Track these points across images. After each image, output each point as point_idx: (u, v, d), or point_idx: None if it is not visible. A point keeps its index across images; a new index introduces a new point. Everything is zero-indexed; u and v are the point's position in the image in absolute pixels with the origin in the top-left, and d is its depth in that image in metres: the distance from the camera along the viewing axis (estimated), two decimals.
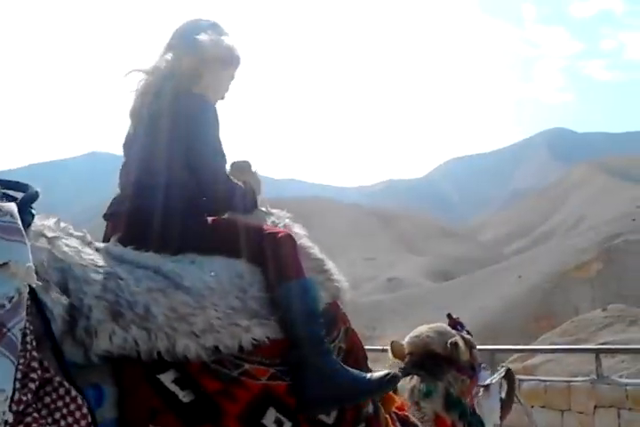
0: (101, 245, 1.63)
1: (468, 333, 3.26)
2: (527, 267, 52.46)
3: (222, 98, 2.11)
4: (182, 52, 1.98)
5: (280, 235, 1.83)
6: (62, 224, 1.52)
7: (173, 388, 1.43)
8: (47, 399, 1.15)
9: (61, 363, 1.21)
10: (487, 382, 3.48)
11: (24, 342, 1.11)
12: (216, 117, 1.91)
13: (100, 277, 1.42)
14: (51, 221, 1.48)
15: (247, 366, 1.57)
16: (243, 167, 2.14)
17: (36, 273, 1.17)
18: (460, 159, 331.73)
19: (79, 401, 1.18)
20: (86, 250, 1.50)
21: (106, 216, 1.93)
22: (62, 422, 1.15)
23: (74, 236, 1.53)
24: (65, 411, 1.16)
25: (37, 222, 1.38)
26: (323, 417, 1.69)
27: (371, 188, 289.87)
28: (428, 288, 60.97)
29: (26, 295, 1.14)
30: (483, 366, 3.36)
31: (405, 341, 3.05)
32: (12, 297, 1.08)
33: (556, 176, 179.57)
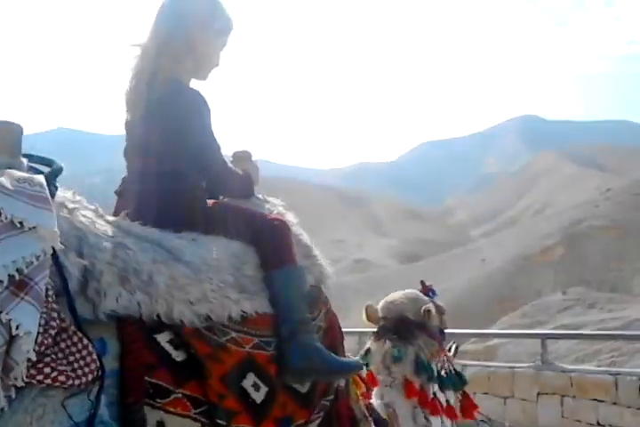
0: (112, 218, 1.77)
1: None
2: (492, 250, 53.25)
3: (217, 65, 2.16)
4: (172, 24, 2.00)
5: (277, 221, 2.00)
6: (78, 197, 1.68)
7: (168, 347, 1.58)
8: (63, 345, 1.33)
9: (75, 316, 1.39)
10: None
11: (46, 295, 1.29)
12: (208, 109, 1.98)
13: (110, 245, 1.58)
14: (69, 194, 1.64)
15: (234, 334, 1.73)
16: (243, 157, 2.27)
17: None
18: (431, 143, 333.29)
19: (90, 348, 1.36)
20: (99, 221, 1.65)
21: (117, 192, 2.10)
22: (75, 365, 1.32)
23: (88, 208, 1.68)
24: (78, 355, 1.34)
25: (60, 194, 1.55)
26: (298, 386, 1.85)
27: (341, 170, 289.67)
28: (395, 270, 61.53)
29: (49, 256, 1.31)
30: None
31: (379, 305, 3.16)
32: (39, 256, 1.27)
33: (525, 162, 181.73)
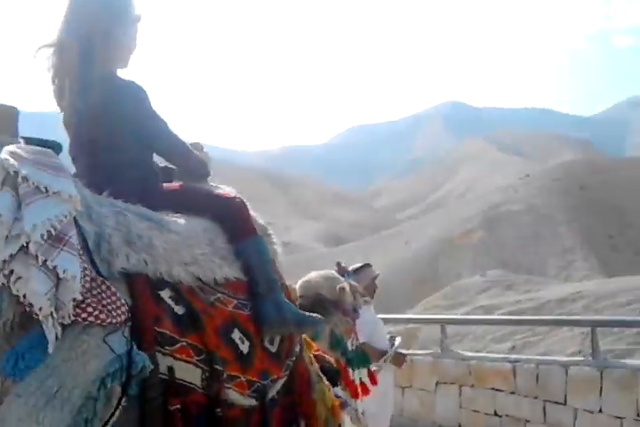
0: (95, 195, 1.84)
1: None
2: (416, 233, 54.24)
3: (133, 51, 2.17)
4: (91, 18, 2.00)
5: (238, 199, 2.20)
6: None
7: (170, 302, 1.74)
8: (95, 291, 1.50)
9: (97, 269, 1.56)
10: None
11: (78, 247, 1.47)
12: (147, 96, 2.06)
13: (112, 213, 1.73)
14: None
15: (219, 295, 1.91)
16: (195, 147, 2.37)
17: None
18: (361, 127, 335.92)
19: (118, 294, 1.54)
20: (94, 195, 1.77)
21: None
22: (109, 307, 1.50)
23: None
24: (109, 300, 1.52)
25: None
26: (269, 346, 2.03)
27: (269, 152, 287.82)
28: (321, 253, 61.85)
29: (73, 217, 1.49)
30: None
31: (297, 285, 3.28)
32: (66, 215, 1.45)
33: (450, 147, 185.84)
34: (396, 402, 6.66)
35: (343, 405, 2.64)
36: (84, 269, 1.47)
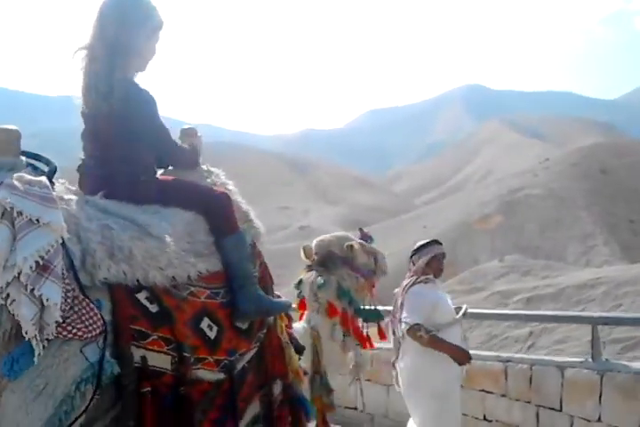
0: (91, 198, 2.19)
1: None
2: (434, 217, 54.00)
3: (153, 57, 2.45)
4: (116, 25, 2.29)
5: (222, 195, 2.44)
6: (66, 185, 2.13)
7: (145, 302, 2.06)
8: (76, 308, 1.81)
9: (80, 285, 1.86)
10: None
11: (62, 274, 1.77)
12: (155, 103, 2.35)
13: (98, 228, 2.02)
14: (60, 185, 2.08)
15: (193, 288, 2.21)
16: (189, 132, 2.66)
17: None
18: (378, 111, 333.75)
19: (95, 310, 1.85)
20: (86, 207, 2.09)
21: (78, 171, 2.42)
22: (87, 322, 1.82)
23: (70, 191, 2.13)
24: (87, 316, 1.83)
25: (56, 187, 1.99)
26: (239, 324, 2.34)
27: (288, 137, 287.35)
28: None
29: (60, 243, 1.77)
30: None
31: (313, 243, 3.66)
32: (54, 245, 1.73)
33: (470, 131, 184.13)
34: (378, 401, 6.17)
35: (304, 371, 2.90)
36: (67, 291, 1.78)
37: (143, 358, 1.99)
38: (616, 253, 38.50)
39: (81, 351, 1.81)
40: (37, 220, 1.69)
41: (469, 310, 4.48)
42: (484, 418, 5.59)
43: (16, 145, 1.92)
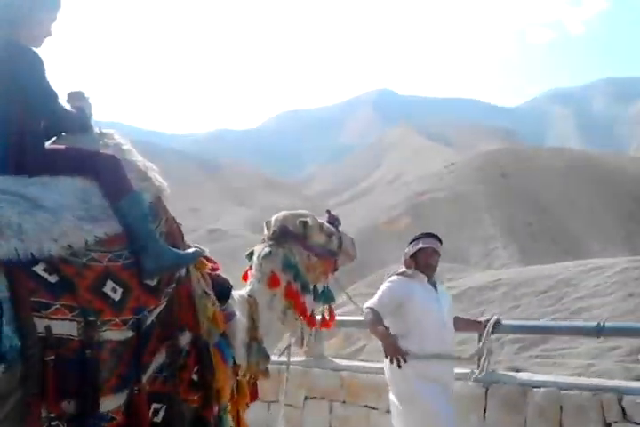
0: None
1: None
2: (344, 220, 53.94)
3: (49, 35, 2.51)
4: (4, 4, 2.39)
5: (110, 158, 2.45)
6: None
7: (43, 274, 2.11)
8: None
9: None
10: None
11: None
12: (42, 64, 2.37)
13: None
14: None
15: (93, 254, 2.24)
16: (77, 95, 2.64)
17: None
18: (292, 113, 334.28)
19: None
20: None
21: None
22: None
23: None
24: None
25: None
26: (148, 282, 2.37)
27: (198, 136, 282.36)
28: (250, 240, 61.17)
29: None
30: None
31: (272, 218, 3.64)
32: None
33: (379, 135, 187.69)
34: (258, 420, 5.34)
35: (228, 316, 2.91)
36: None
37: (47, 328, 2.06)
38: (515, 256, 40.23)
39: None
40: None
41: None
42: None
43: None
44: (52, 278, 2.11)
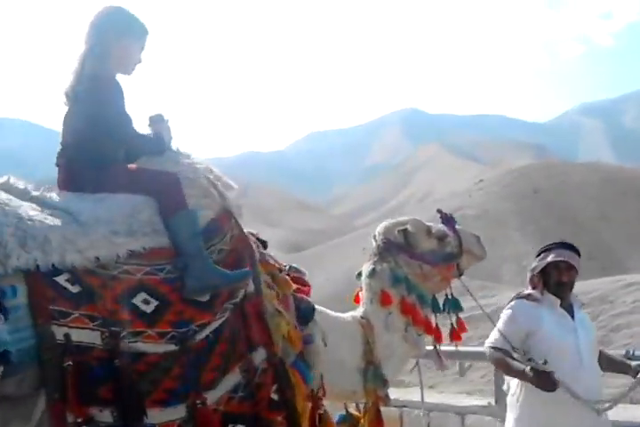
0: (35, 193, 2.42)
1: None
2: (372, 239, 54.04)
3: (139, 62, 2.75)
4: (93, 34, 2.62)
5: (167, 176, 2.53)
6: (11, 181, 2.43)
7: (65, 284, 2.17)
8: None
9: None
10: None
11: None
12: (121, 92, 2.60)
13: (14, 221, 2.18)
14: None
15: (126, 266, 2.29)
16: (154, 119, 2.74)
17: None
18: (318, 134, 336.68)
19: None
20: (12, 202, 2.26)
21: (56, 164, 2.62)
22: None
23: (14, 188, 2.39)
24: None
25: None
26: (198, 298, 2.38)
27: (228, 159, 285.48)
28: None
29: None
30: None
31: (375, 233, 3.44)
32: None
33: (407, 154, 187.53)
34: None
35: (307, 339, 2.76)
36: None
37: (66, 336, 2.11)
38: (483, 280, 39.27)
39: None
40: None
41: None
42: None
43: None
44: (74, 289, 2.19)
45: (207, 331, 2.38)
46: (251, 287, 2.59)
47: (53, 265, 2.17)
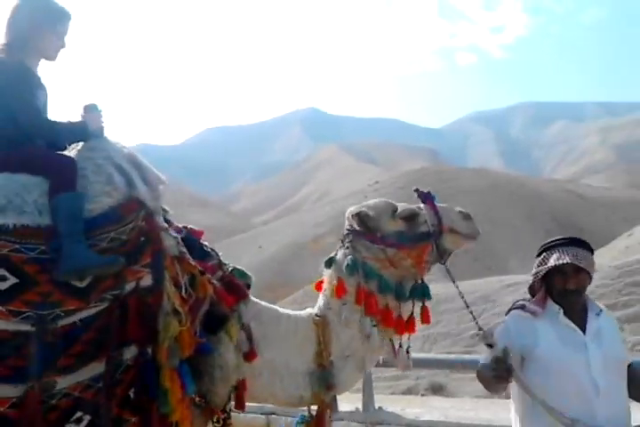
0: None
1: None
2: (269, 237, 54.19)
3: (63, 47, 2.74)
4: (9, 24, 2.62)
5: (63, 159, 2.55)
6: None
7: None
8: None
9: None
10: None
11: None
12: (21, 77, 2.58)
13: None
14: None
15: None
16: (88, 108, 2.69)
17: None
18: (218, 129, 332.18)
19: None
20: None
21: None
22: None
23: None
24: None
25: None
26: (76, 282, 2.33)
27: None
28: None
29: None
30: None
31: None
32: None
33: (307, 153, 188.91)
34: None
35: (203, 347, 2.58)
36: None
37: None
38: (437, 272, 40.73)
39: None
40: None
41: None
42: None
43: None
44: None
45: (75, 318, 2.34)
46: (146, 282, 2.48)
47: None
